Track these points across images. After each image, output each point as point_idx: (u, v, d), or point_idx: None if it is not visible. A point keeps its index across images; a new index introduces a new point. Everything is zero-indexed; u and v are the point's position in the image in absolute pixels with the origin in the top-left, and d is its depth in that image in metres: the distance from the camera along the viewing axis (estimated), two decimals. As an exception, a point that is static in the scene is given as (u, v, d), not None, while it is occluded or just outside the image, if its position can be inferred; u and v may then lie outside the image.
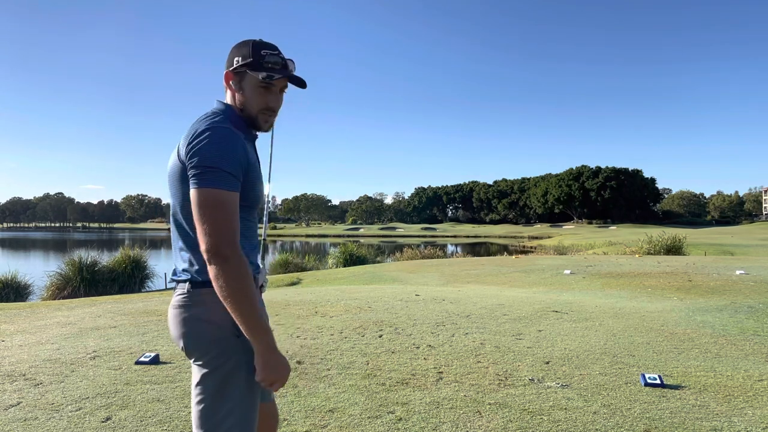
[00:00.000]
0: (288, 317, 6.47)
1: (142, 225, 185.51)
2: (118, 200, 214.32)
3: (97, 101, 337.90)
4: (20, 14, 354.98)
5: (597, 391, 3.66)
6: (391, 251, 36.68)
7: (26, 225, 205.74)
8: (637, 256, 19.89)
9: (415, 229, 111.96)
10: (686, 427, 3.03)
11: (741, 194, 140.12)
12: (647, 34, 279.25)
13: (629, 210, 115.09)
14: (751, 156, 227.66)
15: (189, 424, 3.09)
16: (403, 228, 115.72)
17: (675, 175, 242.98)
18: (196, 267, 1.60)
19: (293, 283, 13.32)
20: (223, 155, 1.51)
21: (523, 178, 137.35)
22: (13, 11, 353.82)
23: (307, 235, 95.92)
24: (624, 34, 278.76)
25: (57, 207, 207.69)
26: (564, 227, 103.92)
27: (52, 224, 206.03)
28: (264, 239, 2.28)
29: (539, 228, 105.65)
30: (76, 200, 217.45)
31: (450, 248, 51.58)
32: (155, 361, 4.35)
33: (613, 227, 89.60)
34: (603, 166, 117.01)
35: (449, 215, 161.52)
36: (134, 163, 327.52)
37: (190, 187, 1.53)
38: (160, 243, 54.73)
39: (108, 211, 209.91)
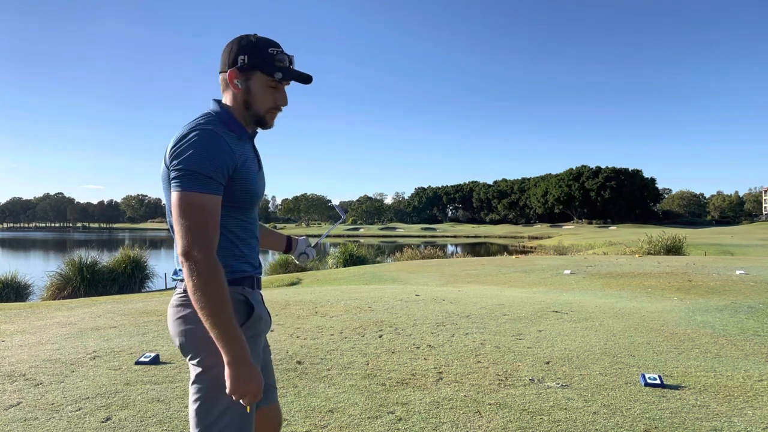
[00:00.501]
0: (288, 317, 6.46)
1: (142, 225, 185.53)
2: (118, 200, 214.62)
3: (98, 101, 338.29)
4: (20, 14, 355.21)
5: (597, 391, 3.66)
6: (391, 251, 36.68)
7: (26, 225, 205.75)
8: (637, 256, 19.89)
9: (415, 229, 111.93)
10: (686, 427, 3.03)
11: (741, 194, 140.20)
12: (647, 34, 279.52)
13: (629, 210, 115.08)
14: (751, 156, 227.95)
15: (188, 423, 3.09)
16: (403, 228, 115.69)
17: (675, 175, 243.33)
18: None
19: (293, 283, 13.32)
20: (203, 159, 1.50)
21: (523, 178, 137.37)
22: (13, 11, 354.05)
23: (307, 236, 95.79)
24: (624, 34, 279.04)
25: (57, 207, 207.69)
26: (564, 227, 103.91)
27: (52, 224, 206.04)
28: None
29: (539, 228, 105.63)
30: (76, 200, 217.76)
31: (450, 248, 51.58)
32: (155, 361, 4.35)
33: (613, 227, 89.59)
34: (603, 166, 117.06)
35: (449, 215, 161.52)
36: (134, 163, 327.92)
37: (171, 190, 1.53)
38: (160, 243, 54.72)
39: (108, 211, 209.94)
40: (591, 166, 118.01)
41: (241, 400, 1.52)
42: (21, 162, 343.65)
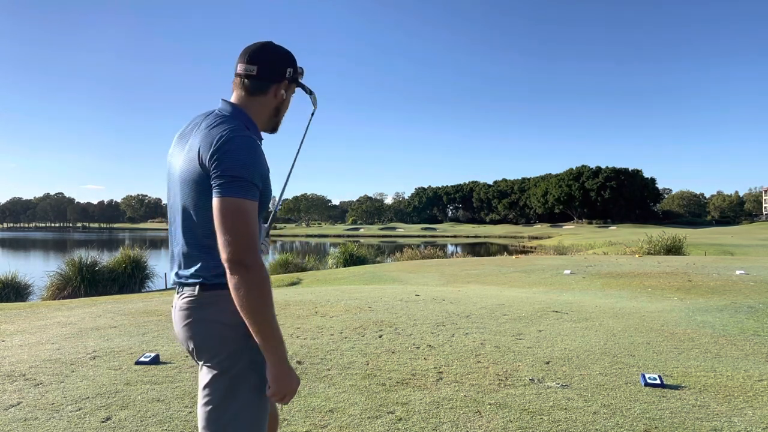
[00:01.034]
0: (288, 317, 6.47)
1: (142, 225, 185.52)
2: (118, 200, 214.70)
3: (98, 101, 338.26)
4: (20, 14, 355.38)
5: (597, 391, 3.66)
6: (391, 251, 36.68)
7: (26, 225, 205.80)
8: (637, 256, 19.89)
9: (415, 229, 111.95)
10: (686, 427, 3.03)
11: (741, 194, 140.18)
12: (647, 34, 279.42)
13: (629, 210, 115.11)
14: (751, 156, 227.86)
15: (189, 424, 3.09)
16: (403, 228, 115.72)
17: (675, 175, 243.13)
18: (208, 269, 1.59)
19: (293, 283, 13.33)
20: (248, 165, 1.53)
21: (523, 178, 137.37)
22: (13, 12, 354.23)
23: (307, 235, 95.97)
24: (624, 34, 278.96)
25: (57, 207, 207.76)
26: (564, 227, 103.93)
27: (52, 224, 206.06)
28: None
29: (539, 228, 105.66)
30: (76, 200, 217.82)
31: (450, 248, 51.58)
32: (155, 361, 4.35)
33: (613, 227, 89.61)
34: (603, 166, 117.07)
35: (449, 215, 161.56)
36: (134, 163, 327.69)
37: (214, 194, 1.52)
38: (160, 243, 54.72)
39: (108, 211, 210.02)
40: (591, 166, 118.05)
41: (281, 400, 1.58)
42: (21, 162, 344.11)
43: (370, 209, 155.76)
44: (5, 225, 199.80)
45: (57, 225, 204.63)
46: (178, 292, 1.68)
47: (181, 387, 3.73)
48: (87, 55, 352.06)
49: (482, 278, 12.83)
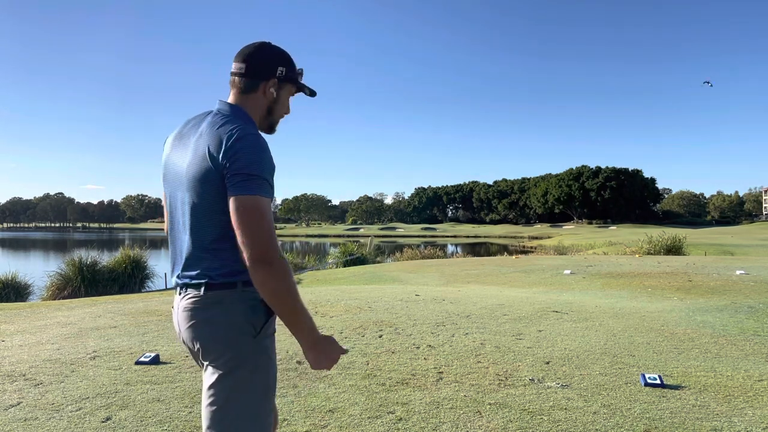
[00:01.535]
0: (288, 317, 6.46)
1: (142, 225, 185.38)
2: (118, 200, 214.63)
3: (98, 101, 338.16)
4: (20, 14, 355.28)
5: (597, 391, 3.66)
6: (391, 251, 36.68)
7: (26, 225, 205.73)
8: (637, 256, 19.89)
9: (415, 229, 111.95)
10: (686, 427, 3.03)
11: (741, 194, 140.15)
12: (647, 34, 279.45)
13: (629, 210, 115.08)
14: (751, 156, 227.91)
15: (189, 424, 3.09)
16: (403, 228, 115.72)
17: (675, 175, 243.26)
18: (215, 270, 1.59)
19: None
20: (263, 163, 1.55)
21: (523, 178, 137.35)
22: (14, 12, 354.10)
23: (307, 235, 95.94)
24: (624, 34, 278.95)
25: (57, 207, 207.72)
26: (564, 227, 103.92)
27: (52, 224, 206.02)
28: None
29: (539, 228, 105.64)
30: (76, 200, 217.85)
31: (450, 248, 51.57)
32: (155, 361, 4.35)
33: (613, 227, 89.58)
34: (603, 166, 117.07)
35: (449, 215, 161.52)
36: (134, 163, 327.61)
37: (230, 192, 1.53)
38: (160, 243, 54.68)
39: (108, 211, 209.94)
40: (591, 166, 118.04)
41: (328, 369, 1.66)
42: (21, 162, 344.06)
43: (370, 209, 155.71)
44: (5, 225, 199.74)
45: (57, 225, 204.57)
46: (180, 293, 1.66)
47: (181, 387, 3.73)
48: (87, 56, 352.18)
49: (482, 278, 12.83)
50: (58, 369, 4.19)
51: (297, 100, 1.88)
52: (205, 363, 1.62)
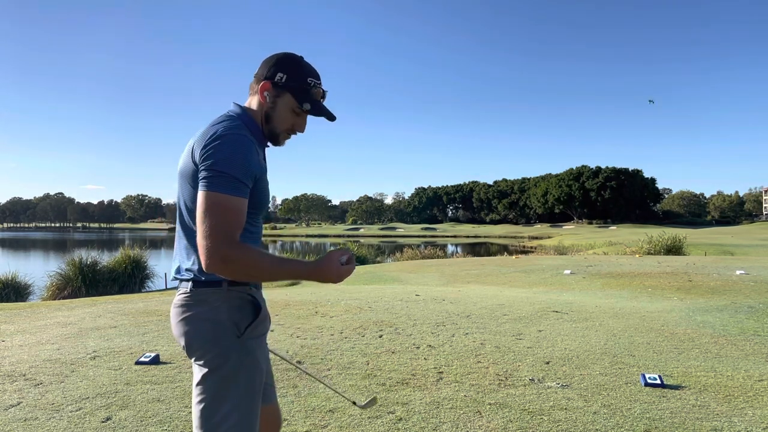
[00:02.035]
0: (288, 317, 6.47)
1: (142, 225, 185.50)
2: (118, 200, 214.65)
3: (97, 101, 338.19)
4: (21, 15, 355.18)
5: (597, 391, 3.66)
6: (391, 251, 36.66)
7: (26, 225, 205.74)
8: (637, 256, 19.89)
9: (415, 229, 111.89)
10: (686, 427, 3.03)
11: (741, 194, 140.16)
12: (647, 34, 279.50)
13: (629, 210, 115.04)
14: (751, 156, 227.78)
15: (189, 424, 3.09)
16: (403, 228, 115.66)
17: (675, 175, 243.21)
18: (199, 266, 1.61)
19: (293, 283, 13.32)
20: (234, 161, 1.52)
21: (523, 178, 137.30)
22: (14, 12, 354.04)
23: (307, 235, 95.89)
24: (624, 34, 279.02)
25: (57, 207, 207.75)
26: (564, 227, 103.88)
27: (52, 224, 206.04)
28: None
29: (539, 228, 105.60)
30: (76, 200, 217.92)
31: (450, 248, 51.54)
32: (155, 361, 4.35)
33: (613, 227, 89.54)
34: (603, 166, 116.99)
35: (449, 215, 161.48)
36: (134, 163, 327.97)
37: (198, 189, 1.54)
38: (160, 243, 54.72)
39: (108, 211, 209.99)
40: (591, 166, 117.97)
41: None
42: (21, 162, 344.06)
43: (370, 209, 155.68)
44: (5, 225, 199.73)
45: (57, 225, 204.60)
46: (177, 288, 1.70)
47: (181, 387, 3.73)
48: (87, 56, 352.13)
49: (482, 278, 12.83)
50: (58, 369, 4.19)
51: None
52: (192, 360, 1.63)
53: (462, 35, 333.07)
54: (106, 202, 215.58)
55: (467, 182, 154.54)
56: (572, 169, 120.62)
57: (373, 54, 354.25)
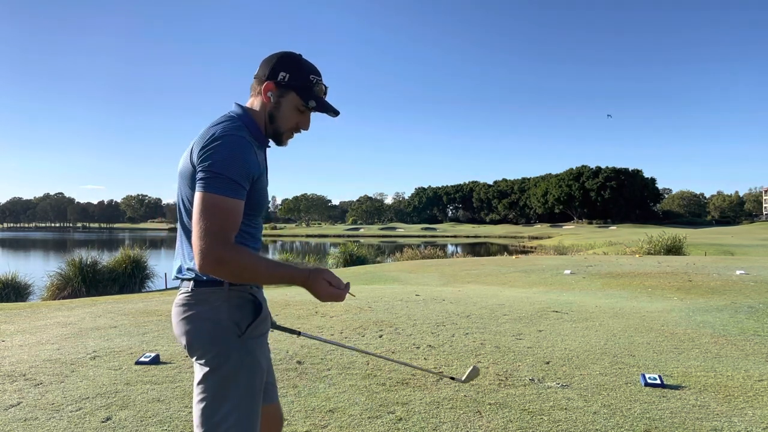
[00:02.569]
0: (288, 317, 6.47)
1: (142, 225, 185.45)
2: (118, 200, 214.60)
3: (97, 102, 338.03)
4: (20, 15, 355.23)
5: (597, 391, 3.66)
6: (391, 251, 36.67)
7: (26, 225, 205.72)
8: (637, 256, 19.89)
9: (415, 229, 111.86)
10: (686, 427, 3.03)
11: (741, 194, 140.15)
12: (646, 35, 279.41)
13: (629, 210, 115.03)
14: (751, 156, 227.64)
15: (189, 424, 3.09)
16: (403, 228, 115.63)
17: (675, 175, 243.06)
18: None
19: (293, 283, 13.31)
20: (232, 163, 1.53)
21: (523, 178, 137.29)
22: (14, 13, 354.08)
23: (307, 235, 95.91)
24: (623, 35, 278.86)
25: (57, 207, 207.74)
26: (564, 227, 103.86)
27: (52, 224, 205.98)
28: None
29: (539, 228, 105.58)
30: (76, 200, 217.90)
31: (450, 248, 51.53)
32: (155, 361, 4.35)
33: (613, 227, 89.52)
34: (603, 166, 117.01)
35: (449, 215, 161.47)
36: (134, 163, 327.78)
37: (195, 190, 1.54)
38: (160, 243, 54.72)
39: (108, 211, 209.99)
40: (591, 166, 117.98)
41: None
42: (21, 162, 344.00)
43: (370, 209, 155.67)
44: (5, 225, 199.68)
45: (57, 225, 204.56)
46: (178, 288, 1.70)
47: (181, 387, 3.73)
48: (87, 57, 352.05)
49: (482, 278, 12.83)
50: (58, 369, 4.19)
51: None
52: (193, 359, 1.64)
53: (462, 36, 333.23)
54: (106, 202, 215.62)
55: (467, 182, 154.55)
56: (572, 169, 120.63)
57: (373, 54, 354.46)
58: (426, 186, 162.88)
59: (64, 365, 4.30)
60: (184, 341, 1.63)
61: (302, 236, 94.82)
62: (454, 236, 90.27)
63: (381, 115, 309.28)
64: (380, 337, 5.33)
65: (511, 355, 4.62)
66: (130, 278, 16.01)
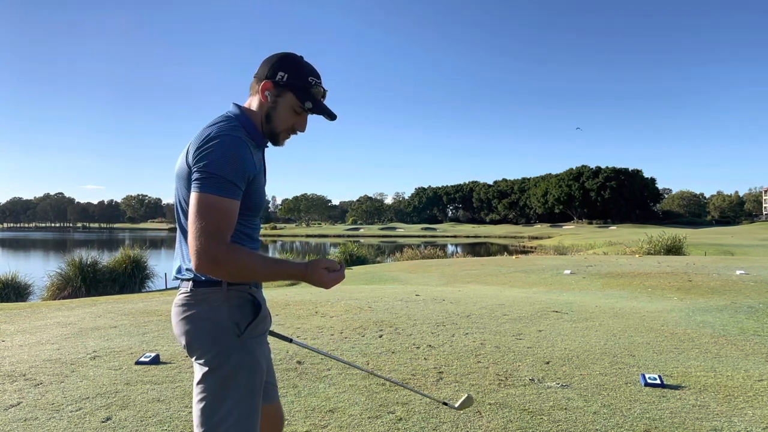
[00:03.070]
0: (288, 317, 6.47)
1: (142, 225, 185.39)
2: (119, 200, 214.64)
3: (97, 102, 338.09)
4: (21, 15, 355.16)
5: (597, 391, 3.66)
6: (391, 251, 36.66)
7: (26, 225, 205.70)
8: (637, 256, 19.89)
9: (415, 229, 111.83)
10: (686, 427, 3.03)
11: (741, 194, 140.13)
12: (646, 36, 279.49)
13: (629, 210, 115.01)
14: (751, 156, 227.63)
15: (189, 424, 3.09)
16: (403, 228, 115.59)
17: (675, 175, 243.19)
18: None
19: (293, 283, 13.32)
20: (227, 163, 1.53)
21: (523, 178, 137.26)
22: (14, 13, 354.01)
23: (307, 235, 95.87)
24: (623, 36, 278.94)
25: (57, 207, 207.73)
26: (564, 227, 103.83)
27: (53, 224, 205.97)
28: None
29: (539, 228, 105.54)
30: (76, 200, 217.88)
31: (450, 248, 51.51)
32: (155, 361, 4.35)
33: (613, 227, 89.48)
34: (603, 166, 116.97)
35: (449, 215, 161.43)
36: (134, 164, 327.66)
37: (191, 190, 1.55)
38: (160, 243, 54.72)
39: (108, 211, 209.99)
40: (591, 166, 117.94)
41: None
42: (21, 162, 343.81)
43: (370, 209, 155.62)
44: (5, 225, 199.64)
45: (57, 225, 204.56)
46: (178, 288, 1.71)
47: (181, 387, 3.73)
48: (87, 57, 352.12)
49: (482, 278, 12.83)
50: (58, 369, 4.20)
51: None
52: (193, 359, 1.64)
53: (463, 37, 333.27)
54: (106, 202, 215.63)
55: (467, 182, 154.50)
56: (572, 169, 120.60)
57: (372, 54, 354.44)
58: (426, 186, 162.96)
59: (64, 365, 4.30)
60: (183, 341, 1.64)
61: (302, 236, 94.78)
62: (454, 236, 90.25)
63: (381, 115, 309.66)
64: (380, 337, 5.33)
65: (511, 355, 4.62)
66: (130, 278, 16.01)
